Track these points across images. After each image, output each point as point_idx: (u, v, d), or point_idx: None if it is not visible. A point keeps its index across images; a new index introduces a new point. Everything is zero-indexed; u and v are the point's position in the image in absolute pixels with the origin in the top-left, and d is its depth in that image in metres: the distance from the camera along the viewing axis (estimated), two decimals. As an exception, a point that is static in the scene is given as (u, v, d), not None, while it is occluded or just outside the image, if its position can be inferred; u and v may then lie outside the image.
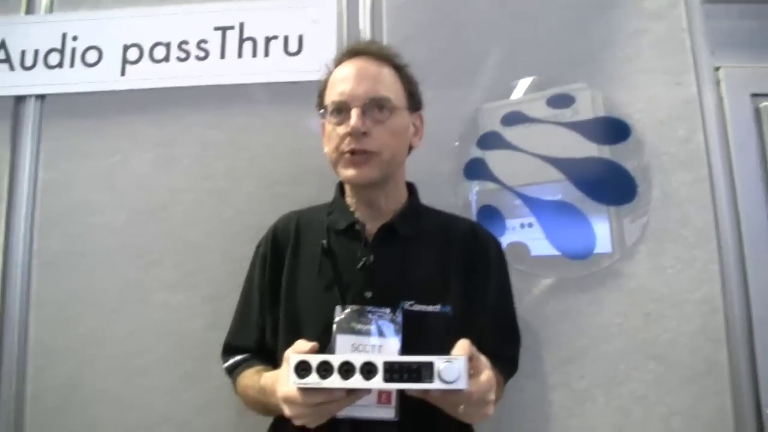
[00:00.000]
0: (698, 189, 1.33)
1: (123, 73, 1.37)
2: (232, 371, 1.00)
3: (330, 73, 0.99)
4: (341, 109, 0.92)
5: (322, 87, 1.00)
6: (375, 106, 0.91)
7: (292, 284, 0.96)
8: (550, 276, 1.30)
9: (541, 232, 1.32)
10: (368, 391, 0.72)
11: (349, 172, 0.92)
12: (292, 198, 1.33)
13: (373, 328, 0.88)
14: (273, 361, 0.96)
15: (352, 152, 0.90)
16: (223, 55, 1.36)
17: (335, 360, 0.68)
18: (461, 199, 1.35)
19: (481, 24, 1.40)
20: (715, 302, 1.29)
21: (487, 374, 0.73)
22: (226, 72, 1.36)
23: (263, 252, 1.02)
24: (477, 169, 1.36)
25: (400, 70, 0.98)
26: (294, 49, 1.37)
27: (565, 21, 1.39)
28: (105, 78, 1.37)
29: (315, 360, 0.68)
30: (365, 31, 1.39)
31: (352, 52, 0.97)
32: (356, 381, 0.67)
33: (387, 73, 0.95)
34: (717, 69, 1.39)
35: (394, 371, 0.67)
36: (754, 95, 1.39)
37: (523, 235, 1.33)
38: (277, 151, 1.36)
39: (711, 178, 1.33)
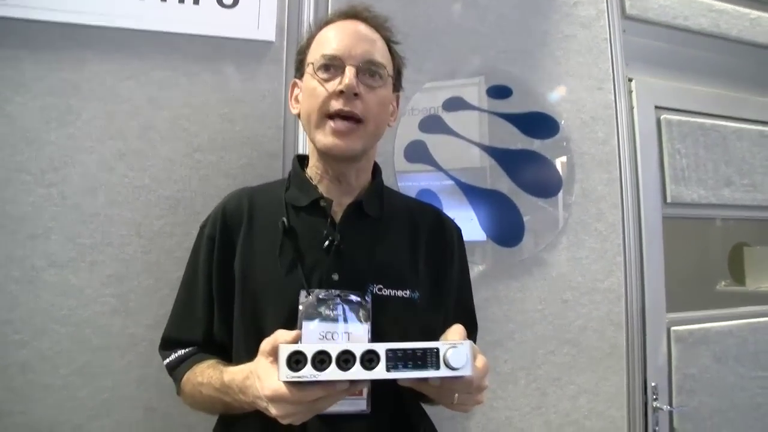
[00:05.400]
0: (611, 188, 1.45)
1: (1, -4, 1.08)
2: (175, 368, 0.86)
3: (316, 31, 0.91)
4: (331, 66, 0.83)
5: (303, 45, 0.92)
6: (368, 70, 0.85)
7: (247, 268, 0.84)
8: (482, 263, 1.33)
9: (475, 219, 1.34)
10: (367, 382, 0.65)
11: (329, 140, 0.82)
12: (216, 167, 1.19)
13: (341, 313, 0.81)
14: (224, 354, 0.84)
15: (339, 115, 0.82)
16: (142, -6, 1.15)
17: (333, 349, 0.60)
18: (400, 182, 1.31)
19: (429, 4, 1.37)
20: (618, 291, 1.43)
21: (481, 359, 0.70)
22: (145, 15, 1.14)
23: (210, 233, 0.88)
24: (417, 152, 1.34)
25: (392, 45, 0.93)
26: (229, 0, 1.21)
27: (509, 16, 1.42)
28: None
29: (310, 350, 0.60)
30: (310, -7, 1.28)
31: (348, 13, 0.90)
32: (356, 371, 0.61)
33: (381, 43, 0.89)
34: (630, 80, 1.53)
35: (398, 359, 0.62)
36: (657, 107, 1.55)
37: (459, 222, 1.33)
38: (202, 113, 1.18)
39: (621, 179, 1.47)
